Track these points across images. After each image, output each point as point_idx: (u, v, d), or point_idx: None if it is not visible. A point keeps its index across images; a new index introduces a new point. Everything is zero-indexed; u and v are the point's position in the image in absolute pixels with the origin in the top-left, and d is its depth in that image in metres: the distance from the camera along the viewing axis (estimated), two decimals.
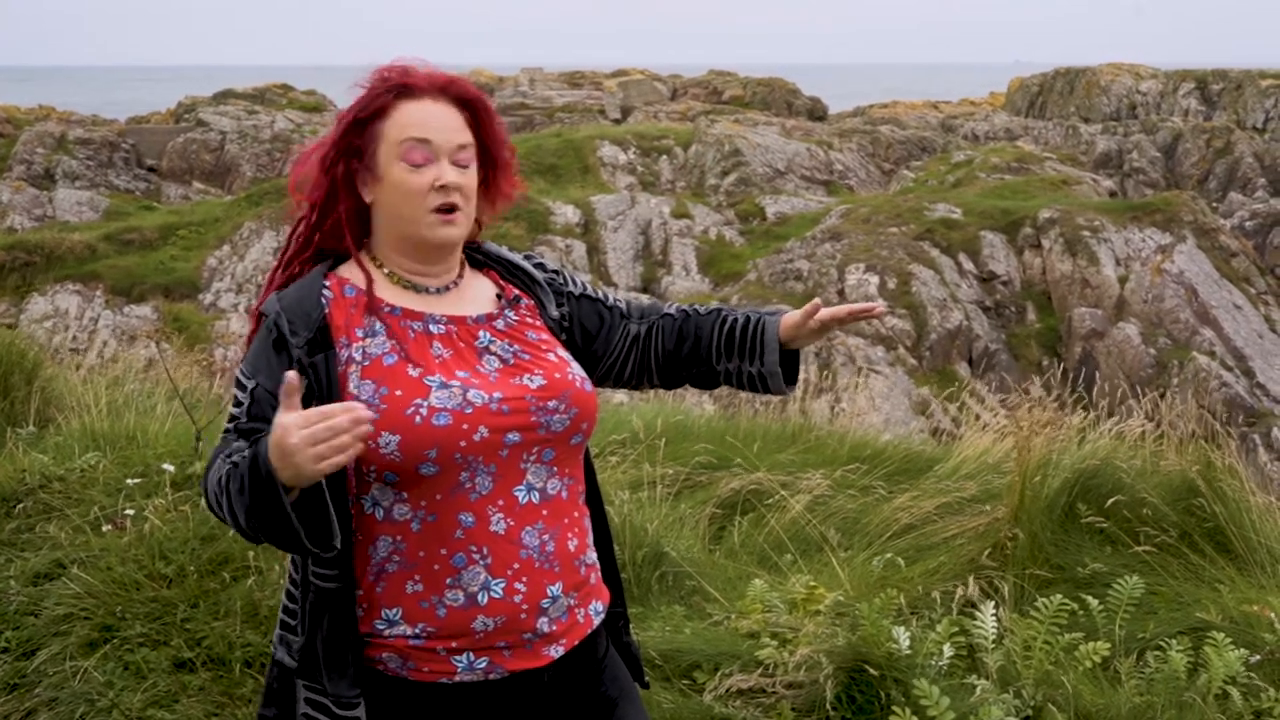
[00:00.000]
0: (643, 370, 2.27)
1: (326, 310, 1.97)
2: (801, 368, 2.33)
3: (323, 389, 1.91)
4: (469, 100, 2.05)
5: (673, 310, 2.30)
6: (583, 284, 2.25)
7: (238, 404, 1.97)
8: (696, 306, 2.31)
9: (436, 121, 2.00)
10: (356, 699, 1.96)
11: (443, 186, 1.98)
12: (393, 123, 1.99)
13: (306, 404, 1.89)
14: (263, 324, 1.99)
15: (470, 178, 2.03)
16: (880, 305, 2.20)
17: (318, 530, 1.80)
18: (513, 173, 2.13)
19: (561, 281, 2.21)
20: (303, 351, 1.93)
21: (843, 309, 2.19)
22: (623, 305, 2.28)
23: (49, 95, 56.09)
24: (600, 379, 2.25)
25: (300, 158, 2.08)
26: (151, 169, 30.85)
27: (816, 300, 2.21)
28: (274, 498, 1.75)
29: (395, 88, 2.01)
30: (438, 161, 1.99)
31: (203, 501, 4.40)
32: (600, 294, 2.27)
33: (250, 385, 1.95)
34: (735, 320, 2.23)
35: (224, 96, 35.66)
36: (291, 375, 1.76)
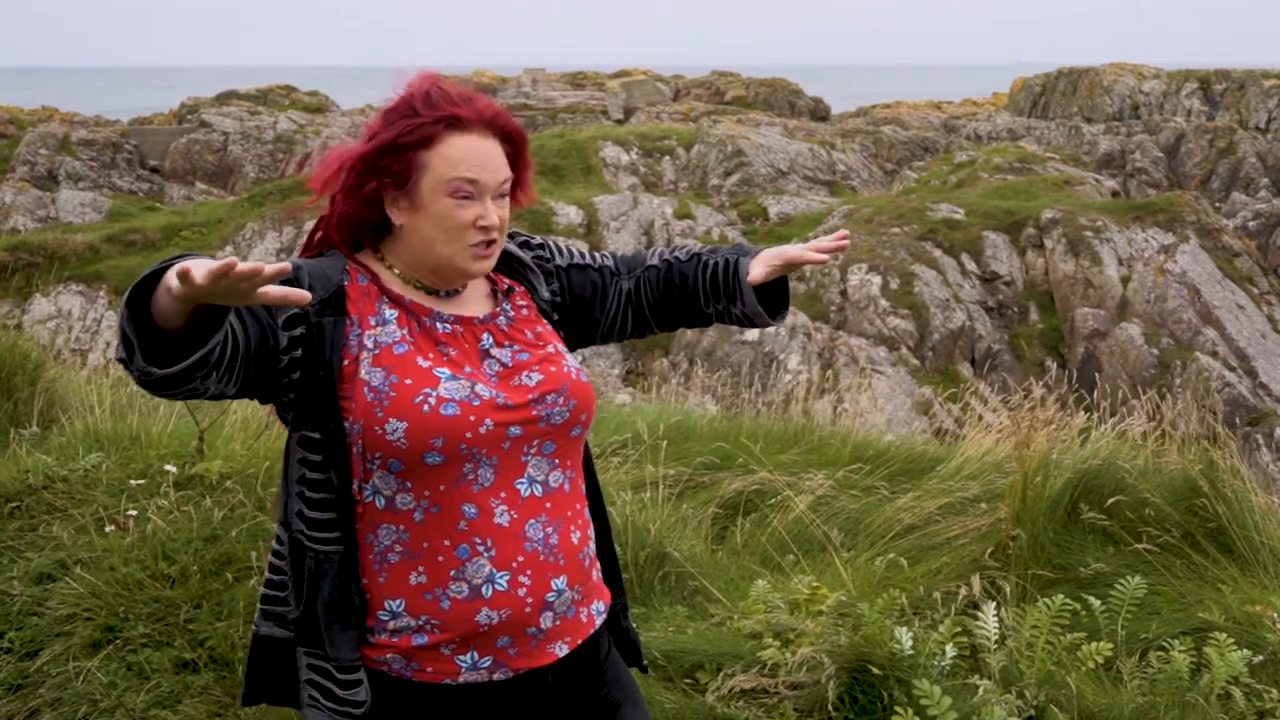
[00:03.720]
0: (640, 323, 2.31)
1: (345, 284, 1.98)
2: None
3: (325, 350, 1.91)
4: (510, 133, 2.04)
5: (656, 260, 2.32)
6: (569, 251, 2.26)
7: None
8: (677, 253, 2.34)
9: (484, 159, 1.98)
10: (358, 663, 1.96)
11: (485, 226, 1.98)
12: (439, 155, 1.96)
13: (308, 364, 1.91)
14: None
15: (506, 209, 2.04)
16: (843, 237, 2.24)
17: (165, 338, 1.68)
18: (530, 187, 2.12)
19: (548, 256, 2.22)
20: (314, 309, 1.92)
21: (809, 252, 2.21)
22: (611, 263, 2.30)
23: (52, 96, 56.18)
24: (603, 337, 2.29)
25: (328, 158, 2.04)
26: (154, 170, 30.88)
27: (778, 255, 2.24)
28: (149, 281, 1.66)
29: (446, 119, 1.97)
30: (481, 199, 1.98)
31: (207, 501, 4.42)
32: (589, 258, 2.28)
33: None
34: (716, 264, 2.28)
35: (227, 97, 35.69)
36: (283, 267, 1.64)
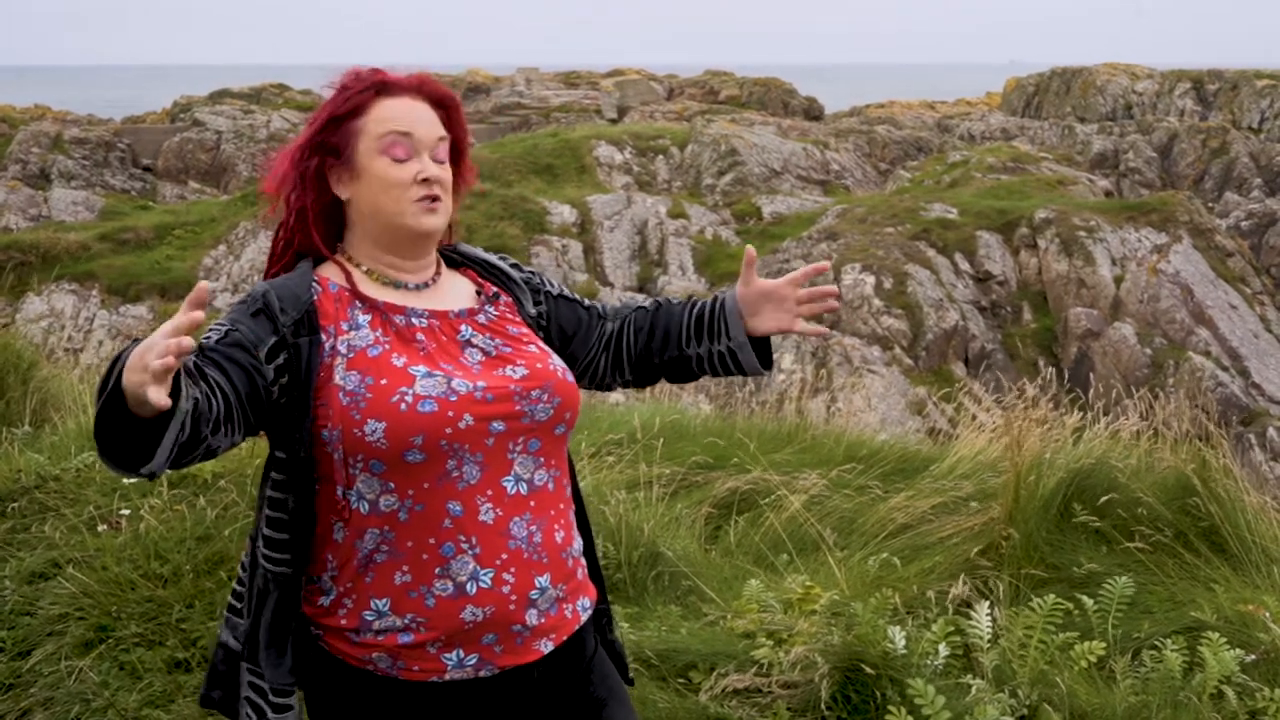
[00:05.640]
0: (615, 366, 2.28)
1: (315, 299, 1.99)
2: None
3: (301, 372, 1.92)
4: (441, 98, 2.10)
5: (647, 304, 2.33)
6: (559, 285, 2.27)
7: (208, 334, 1.92)
8: (670, 298, 2.34)
9: (415, 116, 2.04)
10: (291, 687, 1.98)
11: (425, 179, 2.02)
12: (372, 118, 2.02)
13: (287, 388, 1.92)
14: (245, 303, 1.96)
15: (448, 172, 2.08)
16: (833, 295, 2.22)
17: (137, 442, 1.71)
18: (468, 157, 2.16)
19: (539, 281, 2.23)
20: (289, 331, 1.92)
21: (787, 280, 2.20)
22: (599, 307, 2.31)
23: (44, 95, 56.05)
24: (577, 379, 2.24)
25: (275, 158, 2.09)
26: (147, 169, 30.82)
27: (749, 250, 2.23)
28: (113, 398, 1.68)
29: (374, 85, 2.04)
30: (419, 156, 2.03)
31: (200, 500, 4.41)
32: (578, 296, 2.29)
33: (227, 326, 1.91)
34: (704, 304, 2.27)
35: (220, 96, 35.63)
36: (203, 284, 1.65)
